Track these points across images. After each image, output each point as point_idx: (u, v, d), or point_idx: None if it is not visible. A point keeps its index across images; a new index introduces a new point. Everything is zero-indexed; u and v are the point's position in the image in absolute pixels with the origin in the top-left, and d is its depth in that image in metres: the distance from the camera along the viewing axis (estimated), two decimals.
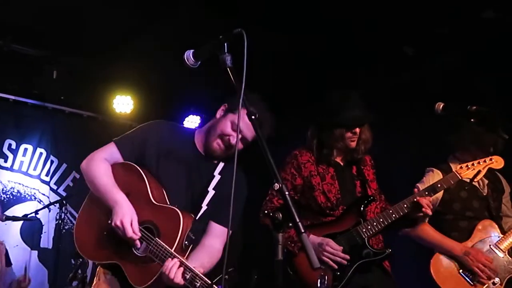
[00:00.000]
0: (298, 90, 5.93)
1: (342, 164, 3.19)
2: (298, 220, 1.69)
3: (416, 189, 3.10)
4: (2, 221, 4.86)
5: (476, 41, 4.67)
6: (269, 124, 2.50)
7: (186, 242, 2.41)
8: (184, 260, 2.33)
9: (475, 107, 2.99)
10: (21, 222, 5.71)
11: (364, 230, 2.92)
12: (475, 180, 3.07)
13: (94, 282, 2.59)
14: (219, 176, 2.62)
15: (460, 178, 3.00)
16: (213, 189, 2.60)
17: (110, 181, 2.50)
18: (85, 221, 2.58)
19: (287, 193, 1.73)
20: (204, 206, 2.57)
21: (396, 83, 5.34)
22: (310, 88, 5.71)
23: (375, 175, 3.25)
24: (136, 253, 2.42)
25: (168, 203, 2.49)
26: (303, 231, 1.67)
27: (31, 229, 5.89)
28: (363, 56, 5.24)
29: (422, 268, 3.39)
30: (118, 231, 2.37)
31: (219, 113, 2.63)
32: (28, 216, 5.14)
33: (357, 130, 3.06)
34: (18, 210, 5.81)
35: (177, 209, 2.41)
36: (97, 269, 2.63)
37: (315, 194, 3.06)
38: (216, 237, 2.57)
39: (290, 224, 1.70)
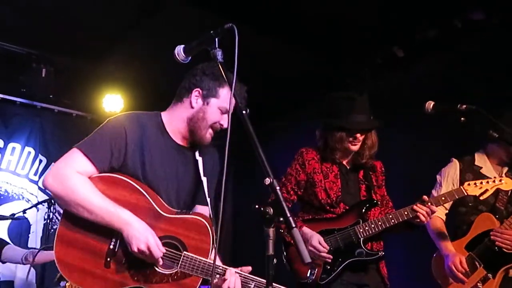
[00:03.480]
0: (284, 94, 5.94)
1: (348, 167, 3.27)
2: (289, 215, 1.68)
3: (424, 197, 3.05)
4: None
5: (466, 43, 4.70)
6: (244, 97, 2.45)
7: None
8: (239, 271, 2.30)
9: (465, 106, 3.02)
10: (8, 221, 5.66)
11: (361, 230, 3.00)
12: (481, 198, 3.07)
13: None
14: (200, 158, 2.51)
15: (466, 194, 3.03)
16: (204, 175, 2.49)
17: (105, 200, 2.20)
18: (72, 249, 2.25)
19: (278, 188, 1.72)
20: (208, 197, 2.47)
21: (386, 83, 5.35)
22: (296, 91, 5.74)
23: (384, 182, 3.31)
24: (162, 271, 2.26)
25: (176, 210, 2.35)
26: (293, 226, 1.66)
27: (18, 228, 5.83)
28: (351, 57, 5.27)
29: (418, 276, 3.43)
30: (141, 255, 2.18)
31: (194, 100, 2.42)
32: (16, 215, 5.06)
33: (358, 135, 3.10)
34: (5, 209, 5.74)
35: (200, 218, 2.30)
36: None
37: (316, 190, 3.17)
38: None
39: (281, 219, 1.69)
